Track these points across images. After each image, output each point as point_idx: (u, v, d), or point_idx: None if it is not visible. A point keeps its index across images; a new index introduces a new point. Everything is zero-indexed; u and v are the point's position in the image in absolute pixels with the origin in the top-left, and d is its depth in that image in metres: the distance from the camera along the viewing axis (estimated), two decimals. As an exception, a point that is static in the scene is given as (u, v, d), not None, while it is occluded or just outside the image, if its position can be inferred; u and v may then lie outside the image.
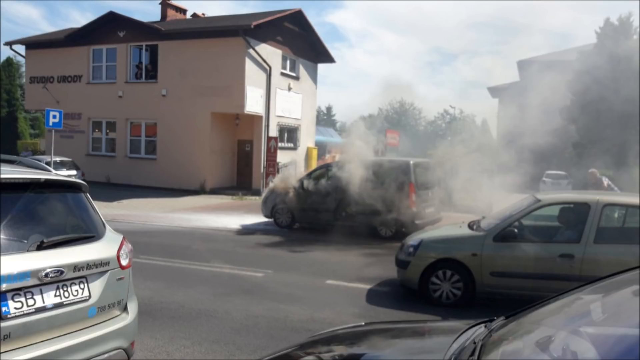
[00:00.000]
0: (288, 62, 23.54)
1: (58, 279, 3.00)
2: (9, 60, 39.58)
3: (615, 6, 57.61)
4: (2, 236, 2.86)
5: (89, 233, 3.44)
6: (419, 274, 6.62)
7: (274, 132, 22.08)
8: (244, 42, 19.79)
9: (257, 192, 20.17)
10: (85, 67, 23.05)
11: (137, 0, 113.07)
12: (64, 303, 3.03)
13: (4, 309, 2.73)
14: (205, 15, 26.08)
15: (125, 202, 17.03)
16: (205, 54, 20.41)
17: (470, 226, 7.00)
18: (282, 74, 22.84)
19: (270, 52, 21.60)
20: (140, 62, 22.60)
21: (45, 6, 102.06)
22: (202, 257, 9.05)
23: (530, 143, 12.06)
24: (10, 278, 2.76)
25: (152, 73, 22.08)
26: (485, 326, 2.27)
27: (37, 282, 2.89)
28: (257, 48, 20.49)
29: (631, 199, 6.48)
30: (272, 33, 21.57)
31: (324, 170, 12.67)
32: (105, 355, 3.25)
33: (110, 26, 22.26)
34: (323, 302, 6.55)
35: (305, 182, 12.30)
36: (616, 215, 7.18)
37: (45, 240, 3.04)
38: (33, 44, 24.41)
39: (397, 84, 23.82)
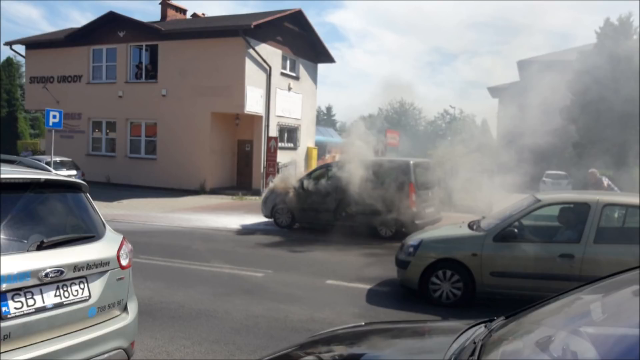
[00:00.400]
0: (288, 62, 23.54)
1: (58, 279, 2.99)
2: (9, 60, 39.58)
3: (615, 6, 57.65)
4: (2, 236, 2.86)
5: (89, 233, 3.43)
6: (419, 274, 6.62)
7: (274, 132, 22.08)
8: (244, 42, 19.80)
9: (257, 192, 20.17)
10: (85, 67, 23.05)
11: (137, 0, 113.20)
12: (64, 303, 3.03)
13: (4, 309, 2.73)
14: (205, 15, 26.08)
15: (125, 202, 17.03)
16: (205, 54, 20.41)
17: (470, 226, 7.00)
18: (282, 74, 22.84)
19: (270, 52, 21.60)
20: (140, 62, 22.60)
21: (45, 6, 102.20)
22: (202, 257, 9.05)
23: (530, 143, 12.06)
24: (10, 278, 2.76)
25: (152, 73, 22.08)
26: (485, 326, 2.27)
27: (37, 282, 2.89)
28: (257, 48, 20.49)
29: (631, 199, 6.48)
30: (272, 33, 21.57)
31: (324, 170, 12.67)
32: (105, 355, 3.24)
33: (110, 26, 22.26)
34: (323, 302, 6.55)
35: (305, 182, 12.30)
36: (616, 215, 7.18)
37: (45, 240, 3.04)
38: (33, 44, 24.41)
39: (397, 84, 23.84)
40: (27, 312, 2.83)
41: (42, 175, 3.30)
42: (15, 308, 2.78)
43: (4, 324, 2.71)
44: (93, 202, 3.67)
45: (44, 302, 2.92)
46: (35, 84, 24.04)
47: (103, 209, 7.91)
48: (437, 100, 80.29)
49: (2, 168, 3.12)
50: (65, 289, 3.06)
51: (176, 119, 21.13)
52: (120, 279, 3.48)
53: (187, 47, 20.80)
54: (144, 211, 15.19)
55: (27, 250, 2.95)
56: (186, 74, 20.77)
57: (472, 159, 11.94)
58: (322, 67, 27.11)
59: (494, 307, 6.08)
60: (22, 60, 30.19)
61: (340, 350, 2.61)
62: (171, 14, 25.19)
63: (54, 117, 15.68)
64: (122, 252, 3.53)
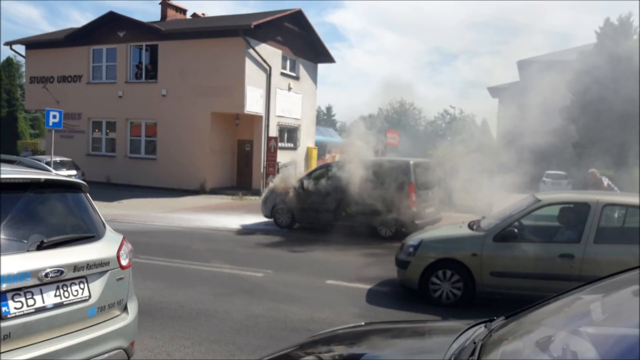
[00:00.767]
0: (288, 62, 23.54)
1: (58, 279, 2.99)
2: (9, 60, 39.58)
3: (615, 6, 57.65)
4: (2, 236, 2.86)
5: (89, 233, 3.43)
6: (419, 274, 6.62)
7: (274, 132, 22.08)
8: (244, 42, 19.80)
9: (257, 192, 20.17)
10: (85, 67, 23.05)
11: (137, 0, 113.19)
12: (64, 303, 3.03)
13: (4, 309, 2.73)
14: (205, 15, 26.08)
15: (125, 202, 17.03)
16: (205, 54, 20.41)
17: (470, 226, 7.00)
18: (282, 74, 22.83)
19: (270, 52, 21.60)
20: (140, 62, 22.60)
21: (45, 6, 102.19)
22: (202, 257, 9.05)
23: (530, 143, 12.06)
24: (10, 278, 2.76)
25: (152, 73, 22.08)
26: (485, 326, 2.27)
27: (37, 282, 2.89)
28: (257, 48, 20.49)
29: (631, 199, 6.48)
30: (272, 33, 21.57)
31: (324, 170, 12.67)
32: (105, 355, 3.24)
33: (110, 26, 22.26)
34: (323, 302, 6.55)
35: (305, 182, 12.30)
36: (616, 215, 7.18)
37: (45, 240, 3.04)
38: (33, 44, 24.41)
39: (397, 84, 23.83)
40: (27, 312, 2.83)
41: (42, 175, 3.30)
42: (15, 308, 2.78)
43: (4, 324, 2.71)
44: (93, 202, 3.67)
45: (44, 302, 2.92)
46: (35, 84, 24.04)
47: (103, 209, 7.91)
48: (437, 100, 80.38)
49: (2, 168, 3.12)
50: (65, 289, 3.06)
51: (176, 119, 21.13)
52: (120, 279, 3.48)
53: (187, 47, 20.80)
54: (144, 211, 15.19)
55: (27, 250, 2.95)
56: (186, 74, 20.77)
57: (472, 159, 11.94)
58: (322, 67, 27.15)
59: (494, 307, 6.08)
60: (22, 60, 30.24)
61: (340, 350, 2.61)
62: (171, 14, 25.19)
63: (54, 117, 15.68)
64: (122, 252, 3.53)
